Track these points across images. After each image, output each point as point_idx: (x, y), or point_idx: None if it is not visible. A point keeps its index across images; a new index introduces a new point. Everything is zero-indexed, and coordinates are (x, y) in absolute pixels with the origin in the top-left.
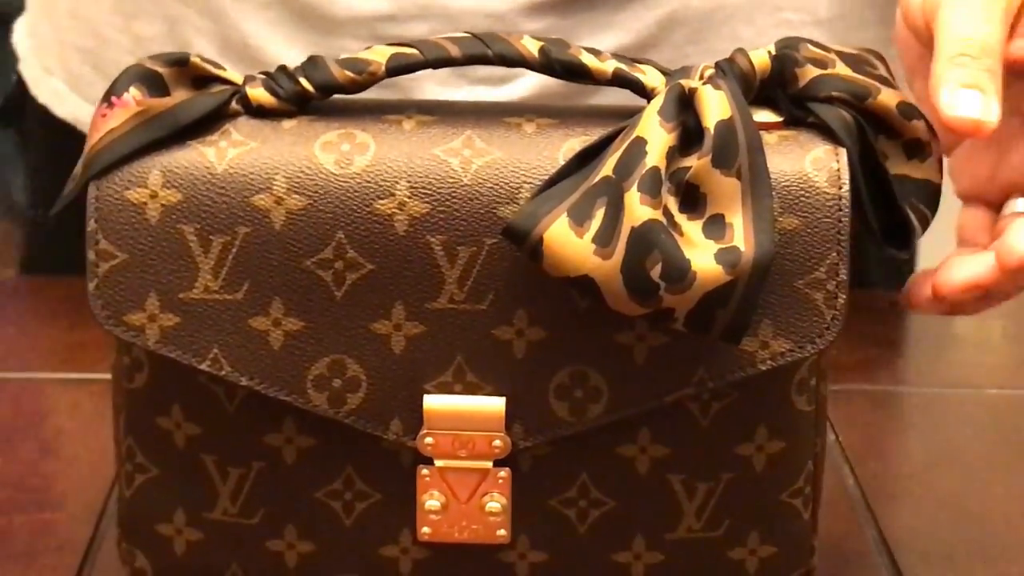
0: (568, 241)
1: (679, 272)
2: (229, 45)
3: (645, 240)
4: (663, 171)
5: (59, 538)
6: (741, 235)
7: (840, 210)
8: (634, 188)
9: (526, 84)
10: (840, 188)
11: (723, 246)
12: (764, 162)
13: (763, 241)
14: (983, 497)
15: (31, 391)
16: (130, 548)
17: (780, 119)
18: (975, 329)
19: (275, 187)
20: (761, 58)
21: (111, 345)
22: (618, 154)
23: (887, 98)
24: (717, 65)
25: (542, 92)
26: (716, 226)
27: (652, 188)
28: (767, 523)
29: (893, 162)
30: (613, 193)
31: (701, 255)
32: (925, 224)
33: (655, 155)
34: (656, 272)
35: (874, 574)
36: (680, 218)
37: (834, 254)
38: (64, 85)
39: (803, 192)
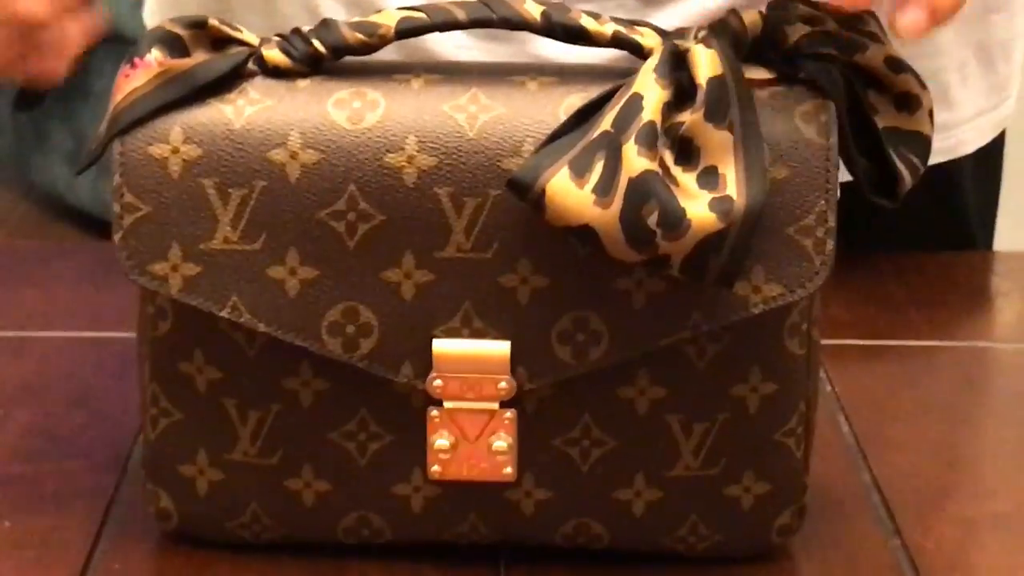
0: (569, 192)
1: (675, 220)
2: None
3: (642, 190)
4: (659, 125)
5: (86, 485)
6: (733, 185)
7: (828, 160)
8: (631, 141)
9: None
10: (828, 139)
11: (716, 195)
12: (755, 116)
13: (754, 191)
14: (972, 443)
15: (57, 349)
16: (154, 488)
17: (772, 76)
18: (970, 287)
19: (290, 142)
20: (752, 18)
21: (132, 308)
22: (616, 109)
23: (875, 53)
24: (710, 26)
25: None
26: (710, 177)
27: (648, 141)
28: (761, 461)
29: (883, 115)
30: (612, 146)
31: (696, 204)
32: (915, 174)
33: (651, 110)
34: (653, 220)
35: (867, 514)
36: (676, 170)
37: (822, 202)
38: None
39: (793, 143)
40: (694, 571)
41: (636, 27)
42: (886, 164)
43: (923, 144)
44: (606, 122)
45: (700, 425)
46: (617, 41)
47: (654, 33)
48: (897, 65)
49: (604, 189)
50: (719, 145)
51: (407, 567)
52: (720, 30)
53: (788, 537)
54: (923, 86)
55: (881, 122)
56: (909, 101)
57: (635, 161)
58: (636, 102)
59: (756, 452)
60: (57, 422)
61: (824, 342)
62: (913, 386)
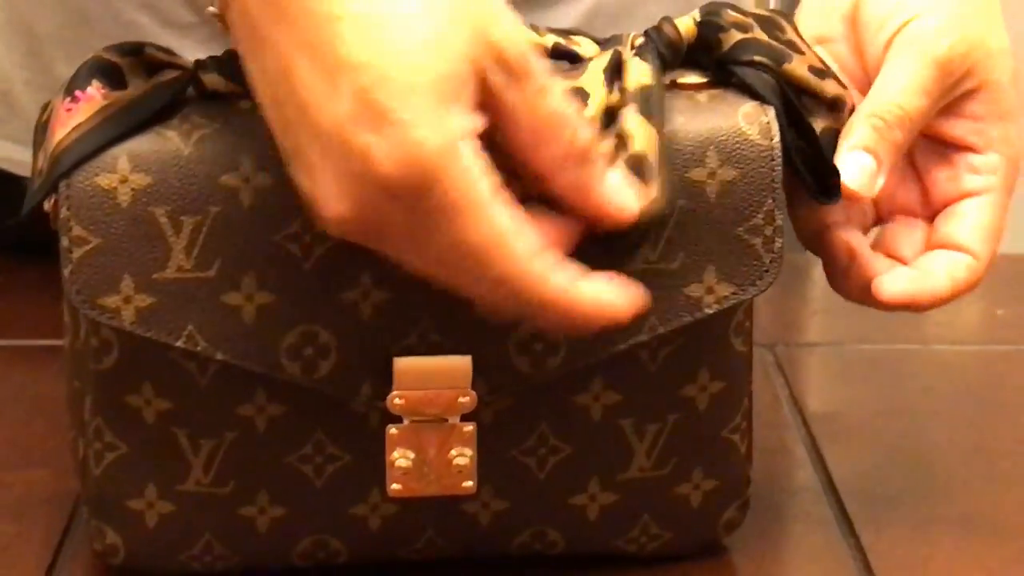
0: None
1: None
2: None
3: None
4: (600, 123)
5: (48, 492)
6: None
7: (773, 160)
8: None
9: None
10: (772, 140)
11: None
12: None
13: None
14: (927, 445)
15: (16, 358)
16: (100, 525)
17: (707, 80)
18: None
19: (242, 166)
20: (687, 25)
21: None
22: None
23: (798, 65)
24: (646, 33)
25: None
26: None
27: None
28: (710, 459)
29: (817, 118)
30: None
31: None
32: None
33: (594, 106)
34: None
35: (820, 514)
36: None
37: (770, 201)
38: None
39: (738, 145)
40: (653, 572)
41: (572, 37)
42: (822, 163)
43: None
44: None
45: (652, 427)
46: (557, 52)
47: (591, 42)
48: (820, 72)
49: None
50: (648, 137)
51: None
52: (656, 37)
53: (732, 531)
54: (844, 85)
55: (818, 125)
56: (836, 102)
57: None
58: (581, 98)
59: (705, 450)
60: (17, 431)
61: (784, 345)
62: (869, 388)
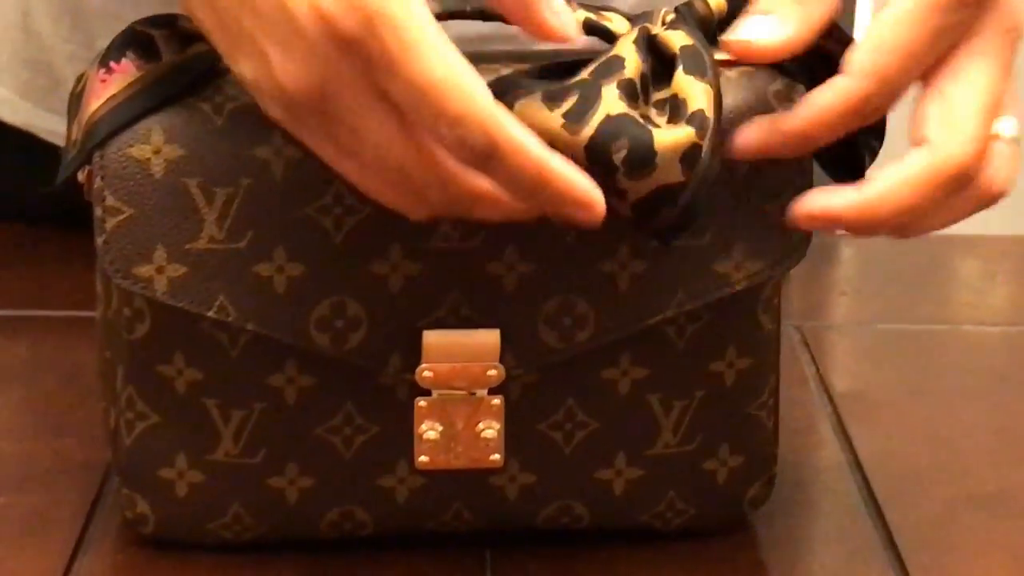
0: (538, 113)
1: (641, 162)
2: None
3: (617, 127)
4: (638, 85)
5: (79, 461)
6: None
7: None
8: (613, 86)
9: None
10: None
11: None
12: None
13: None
14: (954, 424)
15: (48, 329)
16: (130, 494)
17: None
18: (956, 269)
19: (274, 138)
20: (718, 2)
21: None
22: (596, 64)
23: (830, 40)
24: (676, 9)
25: None
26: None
27: (629, 92)
28: (736, 435)
29: None
30: (590, 88)
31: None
32: (873, 157)
33: (631, 70)
34: (620, 157)
35: (846, 492)
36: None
37: (799, 179)
38: (13, 94)
39: None
40: (677, 549)
41: (603, 13)
42: (847, 144)
43: (879, 126)
44: (584, 73)
45: (679, 402)
46: (589, 27)
47: (622, 18)
48: (845, 38)
49: (577, 117)
50: (703, 92)
51: (390, 560)
52: (687, 13)
53: (758, 508)
54: None
55: None
56: None
57: (615, 103)
58: (617, 61)
59: (731, 426)
60: (49, 401)
61: (811, 324)
62: (896, 367)
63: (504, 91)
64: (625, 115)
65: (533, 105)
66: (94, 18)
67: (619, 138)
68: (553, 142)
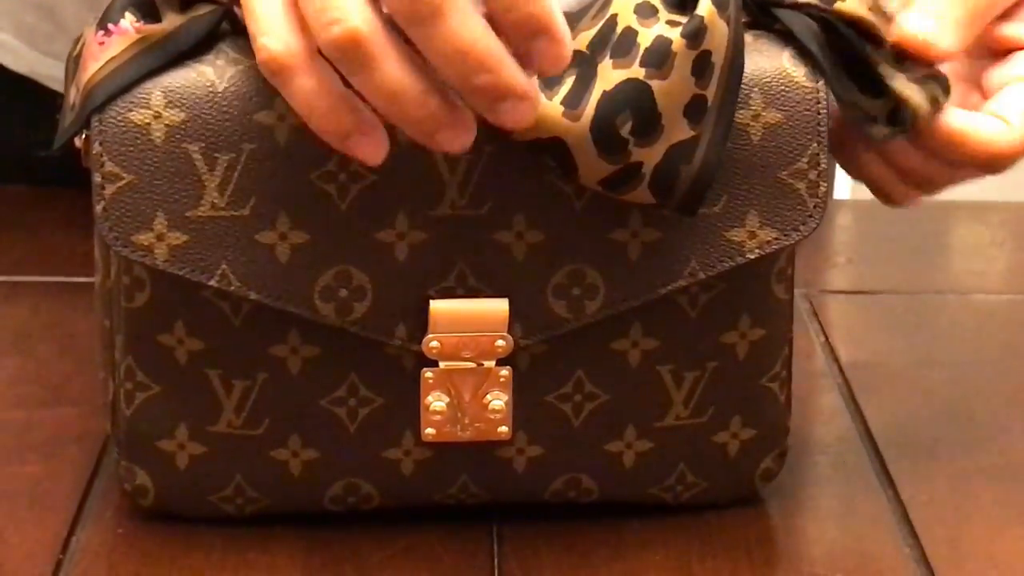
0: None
1: (648, 125)
2: None
3: (616, 100)
4: (637, 29)
5: (78, 431)
6: (715, 81)
7: (819, 103)
8: (607, 59)
9: None
10: (818, 81)
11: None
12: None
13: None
14: (967, 394)
15: (47, 294)
16: (130, 466)
17: (750, 20)
18: (964, 237)
19: (277, 104)
20: None
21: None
22: (593, 32)
23: (854, 4)
24: None
25: None
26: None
27: (624, 49)
28: (748, 407)
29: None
30: (584, 65)
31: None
32: (937, 107)
33: (624, 18)
34: (627, 129)
35: (857, 464)
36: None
37: (815, 144)
38: (15, 40)
39: (784, 87)
40: (687, 522)
41: None
42: (889, 97)
43: (944, 80)
44: (580, 42)
45: (691, 374)
46: None
47: None
48: (885, 16)
49: (574, 101)
50: (720, 34)
51: (396, 533)
52: None
53: (769, 482)
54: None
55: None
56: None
57: (610, 74)
58: (613, 22)
59: (744, 398)
60: (47, 369)
61: (819, 292)
62: (907, 338)
63: None
64: (623, 83)
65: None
66: None
67: (621, 110)
68: (556, 130)
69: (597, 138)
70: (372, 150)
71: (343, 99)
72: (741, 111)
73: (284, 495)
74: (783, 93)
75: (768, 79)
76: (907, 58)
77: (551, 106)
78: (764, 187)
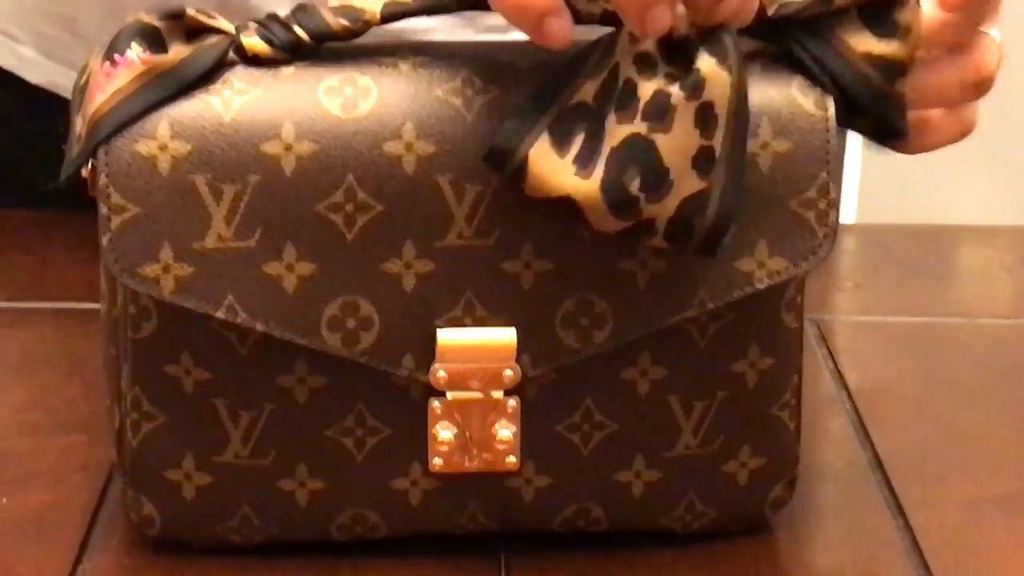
0: (549, 162)
1: (657, 180)
2: (229, 7)
3: (623, 157)
4: (637, 82)
5: (84, 459)
6: (721, 130)
7: (827, 131)
8: (612, 113)
9: None
10: (826, 110)
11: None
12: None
13: (737, 159)
14: (976, 421)
15: (54, 320)
16: (136, 496)
17: (760, 47)
18: (972, 261)
19: (284, 134)
20: None
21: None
22: (597, 83)
23: None
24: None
25: None
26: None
27: (625, 103)
28: (758, 436)
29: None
30: (593, 120)
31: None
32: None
33: (626, 71)
34: (635, 186)
35: (868, 492)
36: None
37: (824, 174)
38: (34, 51)
39: (793, 116)
40: (697, 552)
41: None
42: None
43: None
44: (586, 93)
45: (700, 403)
46: (606, 18)
47: None
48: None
49: (585, 160)
50: (722, 84)
51: (403, 562)
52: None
53: (780, 510)
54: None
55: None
56: (893, 24)
57: (616, 132)
58: (615, 73)
59: (753, 427)
60: (53, 395)
61: (827, 318)
62: (916, 363)
63: (515, 131)
64: (628, 139)
65: (544, 154)
66: None
67: (628, 167)
68: (572, 191)
69: (608, 198)
70: (564, 33)
71: None
72: (750, 139)
73: (291, 525)
74: (792, 122)
75: (777, 108)
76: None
77: (563, 166)
78: (773, 216)
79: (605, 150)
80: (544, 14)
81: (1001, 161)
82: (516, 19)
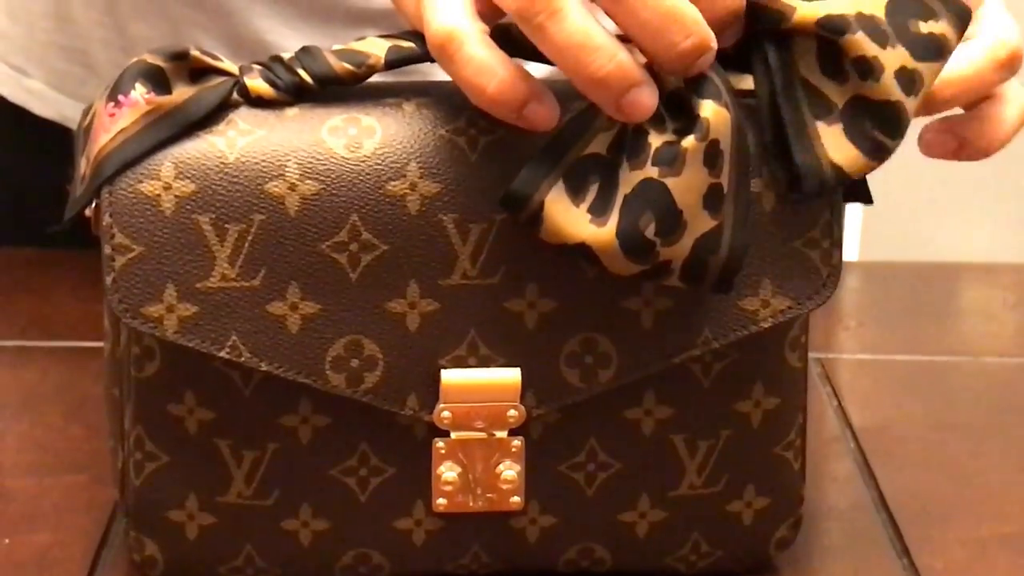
0: (565, 211)
1: (672, 223)
2: (241, 44)
3: (637, 202)
4: (648, 132)
5: (87, 499)
6: (727, 166)
7: None
8: (625, 161)
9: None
10: None
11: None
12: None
13: (743, 195)
14: (981, 460)
15: (56, 359)
16: (139, 536)
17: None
18: (974, 299)
19: (288, 173)
20: None
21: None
22: (611, 134)
23: (806, 14)
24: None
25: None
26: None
27: (636, 151)
28: (762, 476)
29: (847, 85)
30: (606, 170)
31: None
32: (881, 153)
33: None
34: (651, 230)
35: (872, 532)
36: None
37: (827, 213)
38: (44, 85)
39: None
40: None
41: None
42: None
43: (891, 114)
44: (599, 144)
45: (704, 443)
46: None
47: None
48: (836, 27)
49: (599, 209)
50: (723, 120)
51: None
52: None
53: (784, 550)
54: (883, 45)
55: (846, 93)
56: (867, 65)
57: (629, 178)
58: (627, 126)
59: (758, 467)
60: (56, 434)
61: (831, 356)
62: (920, 401)
63: (531, 178)
64: (639, 184)
65: (559, 202)
66: (124, 2)
67: (643, 212)
68: (588, 239)
69: (624, 244)
70: (548, 115)
71: (518, 67)
72: (754, 179)
73: (294, 566)
74: None
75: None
76: (868, 73)
77: (577, 215)
78: (777, 256)
79: (619, 198)
80: (526, 102)
81: (1003, 198)
82: (497, 112)
